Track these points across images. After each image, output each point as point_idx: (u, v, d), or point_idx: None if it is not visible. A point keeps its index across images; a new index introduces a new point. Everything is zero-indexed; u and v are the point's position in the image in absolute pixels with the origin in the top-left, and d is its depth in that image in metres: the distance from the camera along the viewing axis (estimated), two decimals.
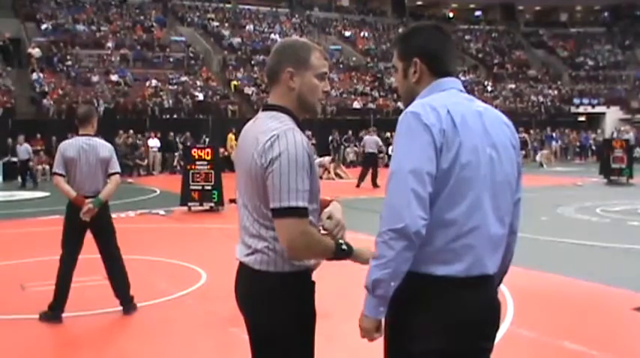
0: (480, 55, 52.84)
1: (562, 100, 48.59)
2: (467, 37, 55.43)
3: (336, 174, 27.27)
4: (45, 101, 32.28)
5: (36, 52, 35.95)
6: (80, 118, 7.49)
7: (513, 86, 48.40)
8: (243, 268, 3.35)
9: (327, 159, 28.74)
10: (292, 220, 2.98)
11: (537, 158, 34.87)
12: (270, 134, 3.03)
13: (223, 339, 6.79)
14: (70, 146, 7.32)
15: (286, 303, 3.13)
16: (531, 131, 40.73)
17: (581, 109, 47.23)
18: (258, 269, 3.20)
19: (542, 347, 6.44)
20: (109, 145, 7.65)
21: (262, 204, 3.09)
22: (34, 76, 34.31)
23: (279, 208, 2.98)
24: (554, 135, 39.90)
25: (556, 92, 49.27)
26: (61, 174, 7.23)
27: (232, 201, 10.90)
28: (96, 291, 8.05)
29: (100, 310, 7.60)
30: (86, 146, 7.30)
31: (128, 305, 7.52)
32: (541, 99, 47.41)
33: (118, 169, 7.55)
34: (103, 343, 6.80)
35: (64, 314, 7.25)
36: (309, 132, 35.51)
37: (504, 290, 8.35)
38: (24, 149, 25.73)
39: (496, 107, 17.81)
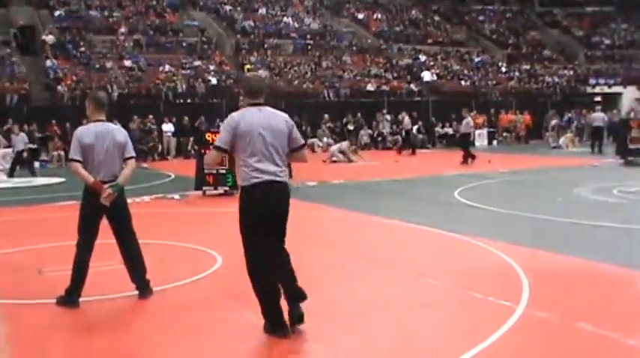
0: (494, 36, 52.44)
1: (577, 80, 48.18)
2: (481, 18, 55.02)
3: (349, 159, 27.11)
4: (59, 87, 32.37)
5: (50, 38, 35.97)
6: (101, 103, 7.52)
7: (528, 67, 48.02)
8: (277, 183, 6.08)
9: (345, 144, 28.62)
10: (306, 149, 6.41)
11: (560, 141, 34.49)
12: (285, 115, 6.40)
13: (238, 323, 6.78)
14: (86, 132, 7.31)
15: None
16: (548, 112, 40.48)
17: (597, 89, 46.83)
18: (285, 181, 6.18)
19: (558, 329, 6.39)
20: (123, 130, 7.69)
21: (286, 147, 6.23)
22: (48, 62, 34.39)
23: (302, 145, 6.47)
24: (571, 116, 39.58)
25: (571, 72, 48.87)
26: (78, 161, 7.22)
27: None
28: (112, 276, 8.07)
29: (116, 294, 7.62)
30: (103, 131, 7.30)
31: (144, 289, 7.54)
32: (556, 79, 47.04)
33: (134, 154, 7.58)
34: (120, 327, 6.81)
35: (80, 299, 7.27)
36: (326, 115, 35.59)
37: (519, 272, 8.33)
38: (20, 139, 24.91)
39: (510, 88, 17.91)
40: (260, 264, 6.11)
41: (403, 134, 33.92)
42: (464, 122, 26.05)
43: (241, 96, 6.50)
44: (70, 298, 7.25)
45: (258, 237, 6.05)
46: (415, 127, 34.68)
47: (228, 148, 6.10)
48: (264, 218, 6.07)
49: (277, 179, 6.08)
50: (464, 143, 25.93)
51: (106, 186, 7.18)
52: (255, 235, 6.05)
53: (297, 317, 6.25)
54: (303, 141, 6.55)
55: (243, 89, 6.47)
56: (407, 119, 33.75)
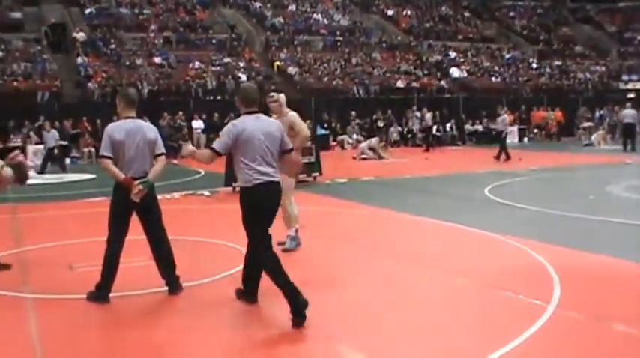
0: (525, 32, 52.05)
1: (610, 77, 47.70)
2: (511, 14, 54.63)
3: (379, 156, 27.04)
4: (90, 84, 32.61)
5: (80, 36, 36.24)
6: (132, 100, 7.55)
7: (559, 63, 47.63)
8: (273, 183, 6.77)
9: (374, 140, 28.54)
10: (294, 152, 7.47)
11: (592, 138, 34.18)
12: (277, 122, 7.28)
13: (267, 319, 6.79)
14: (117, 128, 7.33)
15: None
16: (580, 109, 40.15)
17: (629, 86, 46.32)
18: (278, 181, 6.85)
19: (589, 328, 6.34)
20: (153, 127, 7.74)
21: (279, 150, 6.94)
22: (79, 60, 34.65)
23: (291, 148, 7.21)
24: (602, 113, 39.19)
25: (603, 69, 48.40)
26: (108, 157, 7.24)
27: None
28: (142, 272, 8.11)
29: (146, 290, 7.66)
30: (133, 128, 7.33)
31: (174, 285, 7.57)
32: (588, 76, 46.62)
33: (164, 150, 7.60)
34: (150, 323, 6.84)
35: (110, 294, 7.31)
36: (353, 112, 35.54)
37: (550, 270, 8.26)
38: (51, 135, 25.18)
39: (541, 85, 17.75)
40: (264, 246, 6.78)
41: (417, 130, 33.79)
42: (499, 119, 25.97)
43: (237, 104, 7.07)
44: (101, 294, 7.29)
45: (261, 227, 6.79)
46: (431, 124, 34.41)
47: (225, 153, 6.93)
48: (265, 212, 6.80)
49: (273, 179, 6.80)
50: (501, 139, 25.78)
51: (136, 182, 7.20)
52: (259, 226, 6.79)
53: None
54: (292, 145, 7.36)
55: (240, 98, 7.05)
56: (428, 115, 33.66)
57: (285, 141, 7.08)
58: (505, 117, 26.13)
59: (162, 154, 7.54)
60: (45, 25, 38.20)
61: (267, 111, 7.39)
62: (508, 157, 24.78)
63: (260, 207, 6.77)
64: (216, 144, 6.91)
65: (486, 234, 10.72)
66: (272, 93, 10.18)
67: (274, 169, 6.84)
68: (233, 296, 7.27)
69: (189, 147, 7.26)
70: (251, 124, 6.79)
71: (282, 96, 10.01)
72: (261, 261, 6.85)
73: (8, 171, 8.76)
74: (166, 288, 7.59)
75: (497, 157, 24.72)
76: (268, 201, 6.81)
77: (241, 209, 6.86)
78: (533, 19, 54.90)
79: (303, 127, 9.86)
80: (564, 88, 44.41)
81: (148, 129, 7.52)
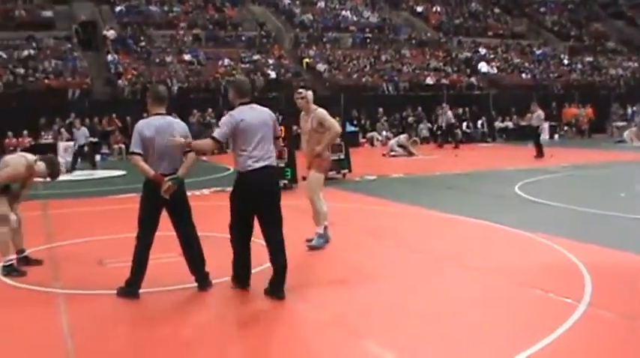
0: (556, 28, 51.60)
1: None
2: (542, 10, 54.17)
3: (409, 153, 26.95)
4: (120, 82, 32.80)
5: (111, 33, 36.46)
6: (161, 96, 7.59)
7: (591, 59, 47.18)
8: (267, 167, 7.28)
9: (403, 137, 28.45)
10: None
11: (624, 135, 33.87)
12: (267, 109, 7.56)
13: (295, 316, 6.79)
14: (147, 125, 7.37)
15: None
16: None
17: None
18: (274, 165, 7.41)
19: (622, 328, 6.26)
20: (183, 123, 7.74)
21: (272, 136, 7.43)
22: (109, 57, 34.85)
23: (279, 135, 7.68)
24: (635, 109, 38.80)
25: (636, 64, 47.86)
26: (138, 153, 7.28)
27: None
28: (172, 268, 8.13)
29: (176, 286, 7.68)
30: (163, 124, 7.36)
31: (204, 281, 7.59)
32: (620, 72, 46.16)
33: None
34: (179, 319, 6.86)
35: (140, 290, 7.35)
36: (381, 109, 35.47)
37: (582, 268, 8.18)
38: (81, 133, 25.27)
39: (572, 81, 17.58)
40: (238, 228, 7.45)
41: (444, 127, 33.63)
42: (534, 115, 25.84)
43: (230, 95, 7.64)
44: (130, 289, 7.34)
45: (245, 211, 7.38)
46: (452, 121, 34.22)
47: (224, 141, 7.43)
48: (256, 195, 7.28)
49: (268, 164, 7.32)
50: (536, 136, 25.62)
51: (166, 178, 7.23)
52: (244, 207, 7.37)
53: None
54: (281, 133, 8.14)
55: (235, 90, 7.57)
56: (449, 113, 33.52)
57: (277, 127, 7.66)
58: (540, 113, 26.01)
59: (192, 151, 7.51)
60: (75, 23, 38.47)
61: (260, 102, 7.59)
62: (541, 154, 24.62)
63: (251, 190, 7.27)
64: (216, 134, 7.30)
65: (516, 232, 10.65)
66: (300, 90, 10.19)
67: (269, 154, 7.36)
68: (262, 292, 7.27)
69: (179, 139, 7.24)
70: (247, 114, 7.30)
71: (309, 92, 10.00)
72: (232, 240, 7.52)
73: (41, 166, 8.84)
74: (196, 284, 7.62)
75: (539, 155, 24.66)
76: (264, 184, 7.28)
77: (233, 192, 7.43)
78: (564, 14, 54.40)
79: (334, 124, 9.85)
80: (596, 84, 43.98)
81: (178, 125, 7.52)
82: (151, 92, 7.71)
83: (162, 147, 7.28)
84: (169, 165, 7.35)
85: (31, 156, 9.01)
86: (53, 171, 9.01)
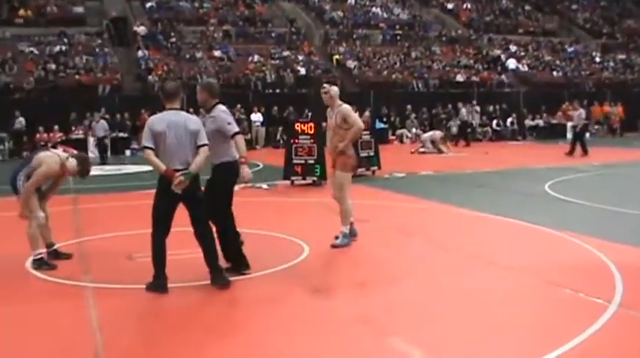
0: (588, 25, 51.16)
1: None
2: (574, 7, 53.73)
3: (438, 149, 26.83)
4: (150, 77, 32.96)
5: (141, 29, 36.68)
6: (168, 93, 7.65)
7: (623, 57, 46.71)
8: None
9: (438, 133, 28.32)
10: None
11: None
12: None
13: (323, 313, 6.78)
14: (158, 120, 7.49)
15: None
16: None
17: None
18: None
19: None
20: (196, 118, 7.84)
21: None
22: (140, 53, 35.06)
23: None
24: None
25: None
26: (150, 148, 7.37)
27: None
28: (201, 262, 8.14)
29: (205, 281, 7.68)
30: (174, 119, 7.45)
31: (216, 277, 7.60)
32: None
33: (206, 141, 7.60)
34: (208, 313, 6.90)
35: (170, 285, 7.38)
36: (409, 106, 35.36)
37: (612, 268, 8.10)
38: (100, 126, 26.06)
39: (604, 79, 17.41)
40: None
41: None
42: (575, 114, 25.82)
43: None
44: (159, 283, 7.40)
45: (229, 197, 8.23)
46: (466, 118, 34.00)
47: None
48: (233, 183, 8.28)
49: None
50: (579, 135, 25.46)
51: (177, 173, 7.28)
52: (229, 195, 8.22)
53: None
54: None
55: (211, 91, 8.26)
56: (464, 110, 33.37)
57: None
58: (581, 111, 26.01)
59: (204, 145, 7.56)
60: (106, 19, 38.76)
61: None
62: (571, 153, 24.50)
63: (233, 178, 8.15)
64: (236, 128, 8.19)
65: (546, 231, 10.57)
66: (324, 85, 10.16)
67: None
68: (290, 288, 7.27)
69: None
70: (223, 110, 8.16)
71: (333, 88, 9.94)
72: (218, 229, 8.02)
73: (73, 163, 8.93)
74: (229, 279, 7.65)
75: (585, 153, 24.51)
76: (236, 174, 8.16)
77: (220, 182, 8.12)
78: (597, 11, 53.90)
79: (357, 120, 9.80)
80: (628, 82, 43.53)
81: (190, 120, 7.59)
82: (161, 89, 7.87)
83: (174, 141, 7.37)
84: (181, 160, 7.40)
85: (63, 154, 9.13)
86: (83, 168, 9.11)
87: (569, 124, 35.49)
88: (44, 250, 8.85)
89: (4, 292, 7.72)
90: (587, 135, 36.67)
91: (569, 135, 34.82)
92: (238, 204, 8.57)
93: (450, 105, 36.21)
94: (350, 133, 9.63)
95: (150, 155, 7.37)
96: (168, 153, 7.37)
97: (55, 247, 9.14)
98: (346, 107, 9.75)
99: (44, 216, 8.81)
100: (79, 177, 9.31)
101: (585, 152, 24.59)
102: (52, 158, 8.89)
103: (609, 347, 5.77)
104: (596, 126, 38.53)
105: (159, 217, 7.53)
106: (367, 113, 28.09)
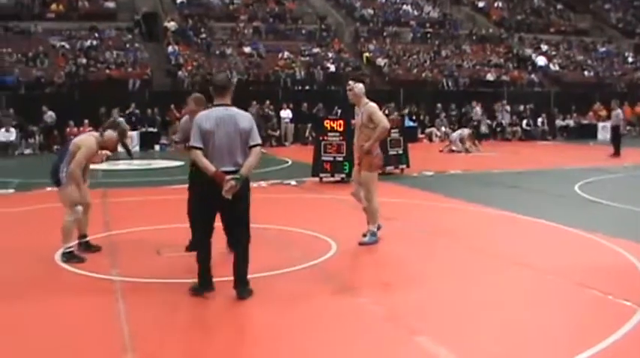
0: (621, 25, 50.69)
1: None
2: (606, 7, 53.21)
3: (466, 150, 26.67)
4: (180, 73, 33.08)
5: (172, 25, 36.81)
6: (219, 86, 7.09)
7: None
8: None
9: (467, 131, 28.18)
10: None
11: None
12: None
13: (348, 311, 6.77)
14: (206, 117, 6.95)
15: None
16: None
17: None
18: None
19: None
20: (248, 115, 7.20)
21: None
22: (170, 48, 35.17)
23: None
24: None
25: None
26: (198, 148, 6.85)
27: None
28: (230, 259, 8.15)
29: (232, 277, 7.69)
30: (225, 116, 6.89)
31: (239, 289, 7.12)
32: None
33: (259, 141, 7.09)
34: (236, 310, 6.91)
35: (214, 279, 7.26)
36: (439, 105, 35.21)
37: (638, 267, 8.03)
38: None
39: (637, 79, 17.18)
40: None
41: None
42: (613, 114, 25.66)
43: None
44: (201, 281, 7.15)
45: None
46: (479, 117, 33.77)
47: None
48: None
49: None
50: (618, 135, 25.32)
51: (228, 177, 6.72)
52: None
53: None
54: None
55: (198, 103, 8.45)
56: (477, 109, 33.13)
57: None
58: (619, 112, 25.80)
59: (257, 145, 7.01)
60: (137, 15, 38.92)
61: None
62: (617, 153, 24.45)
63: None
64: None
65: (575, 232, 10.49)
66: (349, 82, 10.15)
67: None
68: (318, 286, 7.27)
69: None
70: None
71: (358, 85, 9.89)
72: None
73: (109, 134, 9.10)
74: (257, 275, 7.36)
75: (616, 154, 24.43)
76: None
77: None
78: (630, 11, 53.31)
79: (383, 119, 9.73)
80: None
81: (242, 117, 6.99)
82: (210, 81, 7.35)
83: (224, 140, 6.83)
84: (230, 161, 6.85)
85: (96, 133, 9.28)
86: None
87: (600, 125, 35.27)
88: (75, 243, 8.91)
89: (34, 284, 7.79)
90: None
91: (600, 136, 34.67)
92: (267, 200, 8.58)
93: (479, 104, 35.92)
94: (376, 132, 9.59)
95: (198, 156, 6.83)
96: (218, 153, 6.82)
97: (87, 239, 9.23)
98: (372, 105, 9.69)
99: (81, 210, 8.90)
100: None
101: (618, 153, 24.38)
102: (87, 139, 9.00)
103: (638, 351, 5.72)
104: (628, 127, 38.14)
105: (200, 223, 7.22)
106: (396, 112, 28.05)
